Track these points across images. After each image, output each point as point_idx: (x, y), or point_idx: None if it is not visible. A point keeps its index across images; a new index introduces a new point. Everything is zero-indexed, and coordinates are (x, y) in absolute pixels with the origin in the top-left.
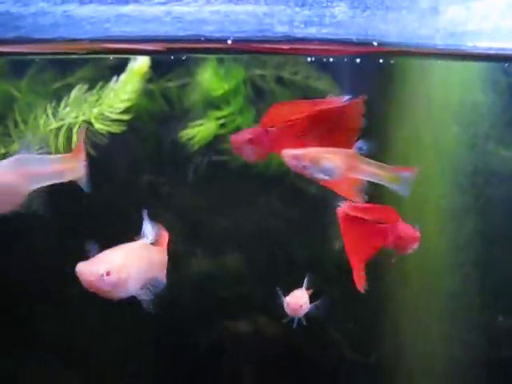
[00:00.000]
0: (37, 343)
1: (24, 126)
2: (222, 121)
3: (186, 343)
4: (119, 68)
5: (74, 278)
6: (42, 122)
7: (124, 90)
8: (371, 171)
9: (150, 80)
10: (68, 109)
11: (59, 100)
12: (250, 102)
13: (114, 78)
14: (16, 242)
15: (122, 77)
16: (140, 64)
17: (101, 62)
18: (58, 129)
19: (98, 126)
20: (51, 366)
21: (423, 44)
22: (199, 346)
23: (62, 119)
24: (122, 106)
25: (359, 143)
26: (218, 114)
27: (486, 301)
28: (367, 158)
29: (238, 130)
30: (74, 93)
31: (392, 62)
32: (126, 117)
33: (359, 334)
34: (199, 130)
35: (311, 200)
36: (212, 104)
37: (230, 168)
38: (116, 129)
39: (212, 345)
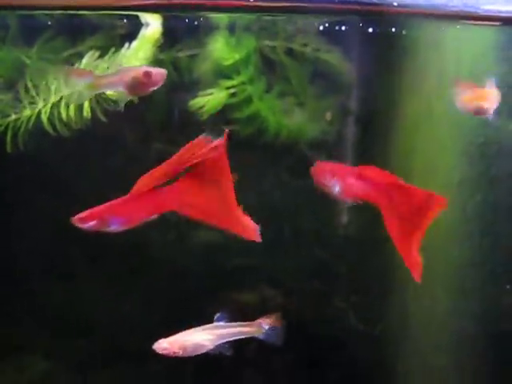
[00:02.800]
0: None
1: (35, 92)
2: (232, 90)
3: (192, 313)
4: (129, 37)
5: None
6: (53, 88)
7: (136, 57)
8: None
9: (160, 49)
10: None
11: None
12: (261, 72)
13: (126, 44)
14: None
15: (134, 44)
16: (152, 31)
17: (111, 31)
18: (69, 95)
19: (109, 92)
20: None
21: (437, 5)
22: (206, 316)
23: (74, 86)
24: None
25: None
26: (229, 83)
27: (496, 271)
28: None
29: (248, 99)
30: (85, 59)
31: (404, 32)
32: None
33: (366, 306)
34: (209, 99)
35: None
36: (222, 73)
37: (239, 138)
38: (126, 96)
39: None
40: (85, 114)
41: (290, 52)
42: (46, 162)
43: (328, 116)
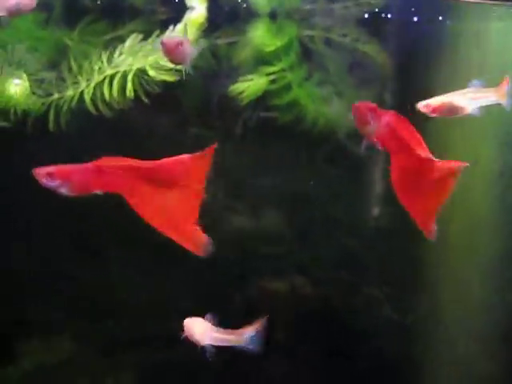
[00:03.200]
0: None
1: (78, 72)
2: (272, 77)
3: (222, 300)
4: (172, 21)
5: None
6: (96, 68)
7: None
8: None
9: (204, 33)
10: (123, 56)
11: (110, 49)
12: (301, 60)
13: (170, 27)
14: None
15: (178, 27)
16: (197, 15)
17: (152, 16)
18: (113, 76)
19: (152, 73)
20: None
21: None
22: (235, 303)
23: (117, 66)
24: None
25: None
26: (269, 69)
27: None
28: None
29: (288, 86)
30: (128, 41)
31: (447, 22)
32: (179, 66)
33: (397, 295)
34: (249, 85)
35: (357, 159)
36: (263, 60)
37: (278, 124)
38: (170, 78)
39: (248, 303)
40: (127, 94)
41: (328, 42)
42: (87, 141)
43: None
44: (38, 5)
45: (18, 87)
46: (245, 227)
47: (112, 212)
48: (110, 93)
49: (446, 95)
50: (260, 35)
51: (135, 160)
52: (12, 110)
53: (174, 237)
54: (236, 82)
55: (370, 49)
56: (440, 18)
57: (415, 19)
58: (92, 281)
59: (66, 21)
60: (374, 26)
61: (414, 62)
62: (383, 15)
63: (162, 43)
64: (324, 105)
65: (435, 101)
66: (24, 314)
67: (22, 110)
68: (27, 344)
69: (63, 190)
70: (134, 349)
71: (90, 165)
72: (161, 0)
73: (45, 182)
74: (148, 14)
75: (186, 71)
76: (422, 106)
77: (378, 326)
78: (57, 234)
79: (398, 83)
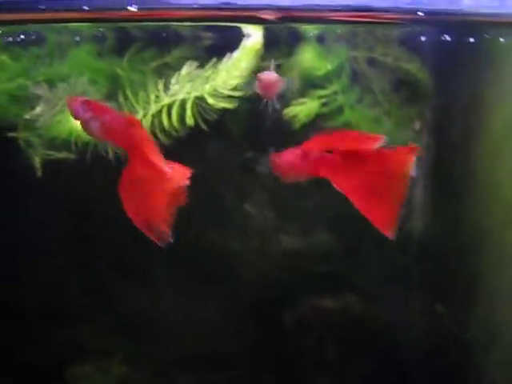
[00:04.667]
0: None
1: (135, 100)
2: (324, 100)
3: (274, 319)
4: (216, 48)
5: None
6: (153, 97)
7: (237, 67)
8: None
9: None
10: (180, 84)
11: (160, 77)
12: (352, 82)
13: (228, 54)
14: None
15: (236, 54)
16: (254, 41)
17: (196, 42)
18: (170, 104)
19: (211, 101)
20: None
21: None
22: (287, 322)
23: (174, 94)
24: (235, 82)
25: None
26: (321, 92)
27: None
28: None
29: (340, 109)
30: (185, 69)
31: (487, 40)
32: (236, 93)
33: (454, 309)
34: (301, 109)
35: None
36: (313, 83)
37: None
38: (228, 105)
39: (299, 321)
40: (187, 122)
41: (371, 61)
42: None
43: (416, 125)
44: (89, 36)
45: None
46: (293, 247)
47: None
48: (169, 121)
49: None
50: (309, 59)
51: None
52: (73, 141)
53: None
54: (288, 105)
55: (412, 67)
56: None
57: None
58: (142, 303)
59: (116, 51)
60: (414, 44)
61: (457, 79)
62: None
63: (260, 79)
64: (375, 125)
65: None
66: (76, 338)
67: (83, 141)
68: (80, 368)
69: (93, 125)
70: (187, 370)
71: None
72: (205, 26)
73: (79, 110)
74: (193, 40)
75: (271, 105)
76: None
77: (435, 341)
78: (104, 257)
79: (443, 101)
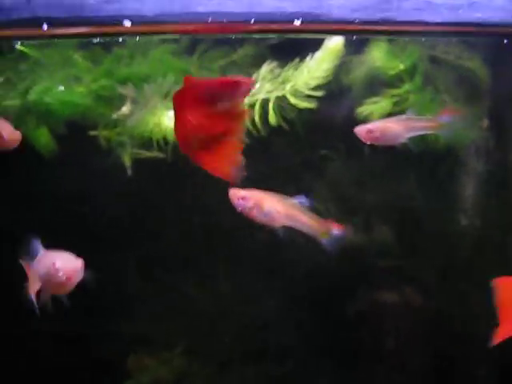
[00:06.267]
0: None
1: None
2: (395, 99)
3: (334, 313)
4: (277, 48)
5: None
6: None
7: (319, 68)
8: (306, 222)
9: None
10: (259, 84)
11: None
12: (424, 81)
13: (309, 55)
14: None
15: (318, 54)
16: (335, 42)
17: (261, 41)
18: (252, 104)
19: (293, 100)
20: None
21: None
22: (347, 316)
23: (255, 94)
24: (315, 82)
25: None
26: (394, 91)
27: None
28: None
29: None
30: (264, 69)
31: None
32: (317, 93)
33: None
34: (375, 107)
35: (461, 176)
36: (385, 82)
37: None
38: (309, 104)
39: (359, 316)
40: (270, 121)
41: (433, 59)
42: None
43: (485, 123)
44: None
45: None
46: (357, 241)
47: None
48: (253, 121)
49: (383, 121)
50: (379, 57)
51: None
52: (163, 141)
53: None
54: (362, 104)
55: (473, 65)
56: None
57: None
58: (202, 296)
59: (188, 49)
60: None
61: None
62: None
63: None
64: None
65: (375, 127)
66: (139, 330)
67: (170, 141)
68: (143, 359)
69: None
70: (251, 362)
71: None
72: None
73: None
74: (257, 40)
75: None
76: (362, 130)
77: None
78: (167, 251)
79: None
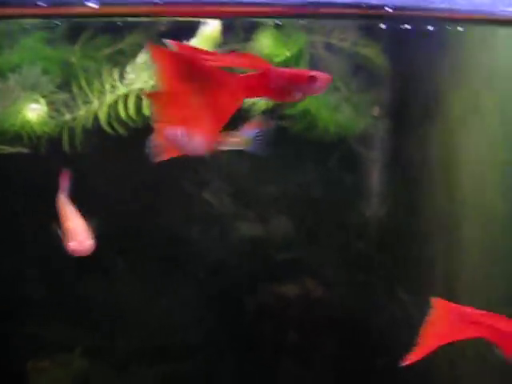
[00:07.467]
0: None
1: (90, 91)
2: None
3: (235, 308)
4: (167, 35)
5: None
6: (108, 86)
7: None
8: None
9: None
10: (136, 73)
11: (114, 65)
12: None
13: (184, 41)
14: None
15: (193, 41)
16: (212, 29)
17: (151, 29)
18: (127, 94)
19: None
20: None
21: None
22: (247, 309)
23: (131, 84)
24: None
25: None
26: None
27: None
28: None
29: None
30: (140, 57)
31: (445, 28)
32: None
33: (414, 295)
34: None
35: (364, 165)
36: None
37: (289, 133)
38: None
39: (259, 309)
40: (145, 112)
41: (329, 47)
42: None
43: (375, 111)
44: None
45: (35, 112)
46: (253, 234)
47: (122, 227)
48: (127, 112)
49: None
50: (268, 45)
51: None
52: (26, 135)
53: None
54: None
55: (370, 52)
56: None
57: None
58: (101, 295)
59: (68, 37)
60: (372, 30)
61: (416, 66)
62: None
63: None
64: (334, 112)
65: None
66: (36, 333)
67: (37, 135)
68: (40, 361)
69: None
70: (148, 361)
71: None
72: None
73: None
74: (146, 26)
75: None
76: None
77: (394, 325)
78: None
79: (401, 87)
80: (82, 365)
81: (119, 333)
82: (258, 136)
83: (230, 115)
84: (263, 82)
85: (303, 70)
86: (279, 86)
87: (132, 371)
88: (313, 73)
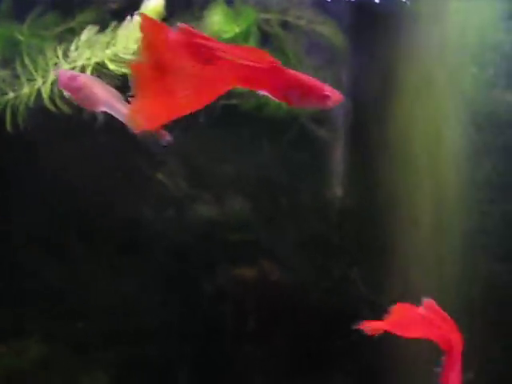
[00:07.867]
0: None
1: (33, 68)
2: None
3: (190, 289)
4: (122, 12)
5: None
6: (51, 63)
7: (138, 31)
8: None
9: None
10: (79, 50)
11: (63, 43)
12: (260, 45)
13: (128, 17)
14: None
15: (136, 17)
16: (155, 3)
17: (103, 6)
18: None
19: (112, 67)
20: None
21: None
22: (204, 292)
23: (74, 61)
24: (135, 46)
25: None
26: None
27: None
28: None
29: None
30: (84, 34)
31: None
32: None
33: (370, 275)
34: None
35: (319, 144)
36: None
37: (240, 111)
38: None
39: (217, 291)
40: None
41: (284, 24)
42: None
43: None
44: None
45: None
46: (209, 215)
47: (76, 210)
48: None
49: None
50: (217, 21)
51: None
52: None
53: None
54: None
55: (326, 30)
56: None
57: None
58: (59, 280)
59: (16, 15)
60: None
61: (371, 43)
62: None
63: None
64: None
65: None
66: None
67: None
68: None
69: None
70: (108, 346)
71: None
72: None
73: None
74: (98, 4)
75: None
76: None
77: (351, 308)
78: (22, 232)
79: (357, 64)
80: (39, 351)
81: (77, 318)
82: None
83: (211, 99)
84: (262, 75)
85: (320, 84)
86: (283, 85)
87: (91, 356)
88: (328, 90)
